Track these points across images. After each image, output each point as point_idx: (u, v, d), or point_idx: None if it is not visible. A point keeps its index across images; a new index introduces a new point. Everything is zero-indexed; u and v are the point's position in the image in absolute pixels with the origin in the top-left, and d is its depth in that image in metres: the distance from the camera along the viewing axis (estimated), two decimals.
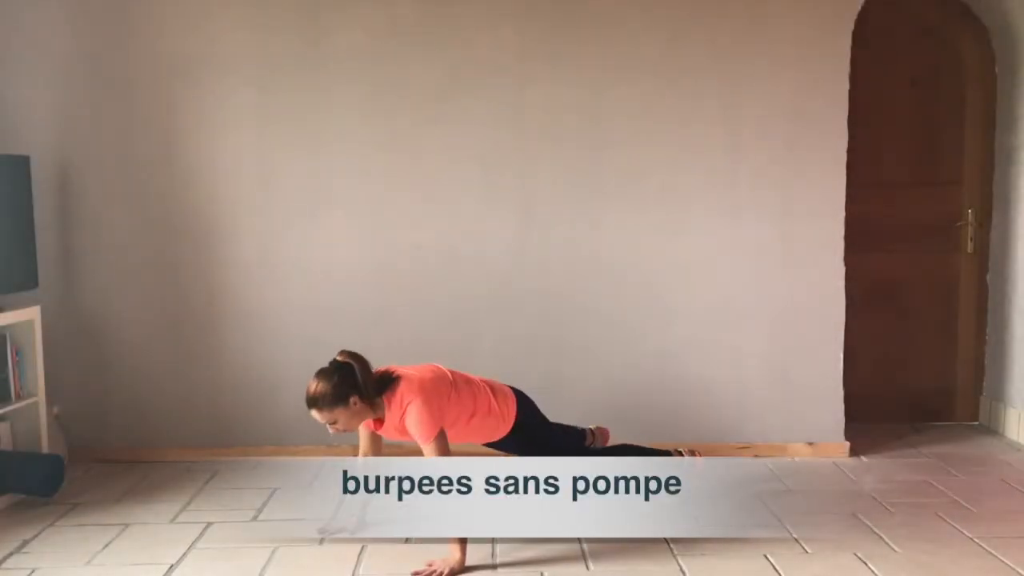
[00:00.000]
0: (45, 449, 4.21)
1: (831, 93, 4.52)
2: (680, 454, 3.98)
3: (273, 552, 3.46)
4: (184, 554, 3.46)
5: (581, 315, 4.58)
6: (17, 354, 4.13)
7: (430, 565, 3.30)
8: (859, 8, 4.52)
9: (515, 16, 4.50)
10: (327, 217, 4.56)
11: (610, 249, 4.57)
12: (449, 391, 3.45)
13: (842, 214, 4.57)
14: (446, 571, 3.27)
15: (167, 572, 3.31)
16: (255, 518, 3.83)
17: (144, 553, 3.47)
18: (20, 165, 4.18)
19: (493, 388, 3.62)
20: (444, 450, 3.33)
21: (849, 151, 4.55)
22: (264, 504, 3.98)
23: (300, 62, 4.49)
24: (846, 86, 4.52)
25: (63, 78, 4.49)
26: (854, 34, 4.53)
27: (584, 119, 4.52)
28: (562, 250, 4.57)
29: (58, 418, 4.48)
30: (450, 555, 3.31)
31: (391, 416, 3.39)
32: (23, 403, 4.13)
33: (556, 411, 3.98)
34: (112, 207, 4.54)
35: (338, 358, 3.35)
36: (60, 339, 4.51)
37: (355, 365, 3.32)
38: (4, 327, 4.06)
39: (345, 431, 3.40)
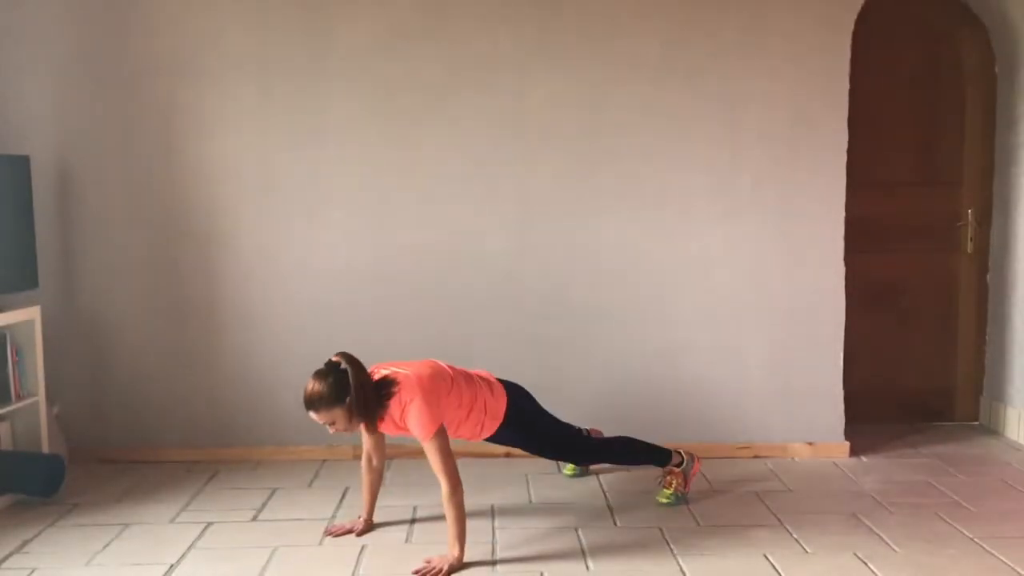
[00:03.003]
0: (45, 449, 4.21)
1: (831, 93, 4.52)
2: (680, 455, 4.00)
3: (273, 552, 3.46)
4: (184, 554, 3.46)
5: (580, 315, 4.58)
6: (17, 354, 4.13)
7: (428, 562, 3.30)
8: (859, 8, 4.52)
9: (515, 16, 4.50)
10: (327, 217, 4.56)
11: (609, 249, 4.58)
12: (448, 387, 3.47)
13: (842, 214, 4.57)
14: (445, 568, 3.27)
15: (167, 572, 3.31)
16: (255, 518, 3.83)
17: (144, 553, 3.47)
18: (20, 165, 4.18)
19: (488, 383, 3.65)
20: (445, 446, 3.35)
21: (849, 151, 4.55)
22: (264, 504, 3.98)
23: (300, 62, 4.49)
24: (846, 86, 4.53)
25: (63, 78, 4.49)
26: (854, 34, 4.53)
27: (584, 119, 4.52)
28: (561, 250, 4.57)
29: (58, 418, 4.49)
30: (449, 552, 3.32)
31: (391, 414, 3.39)
32: (23, 403, 4.13)
33: (555, 410, 3.98)
34: (112, 207, 4.54)
35: (333, 359, 3.36)
36: (60, 339, 4.51)
37: (349, 368, 3.32)
38: (4, 327, 4.06)
39: (345, 431, 3.41)
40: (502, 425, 3.65)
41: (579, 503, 3.98)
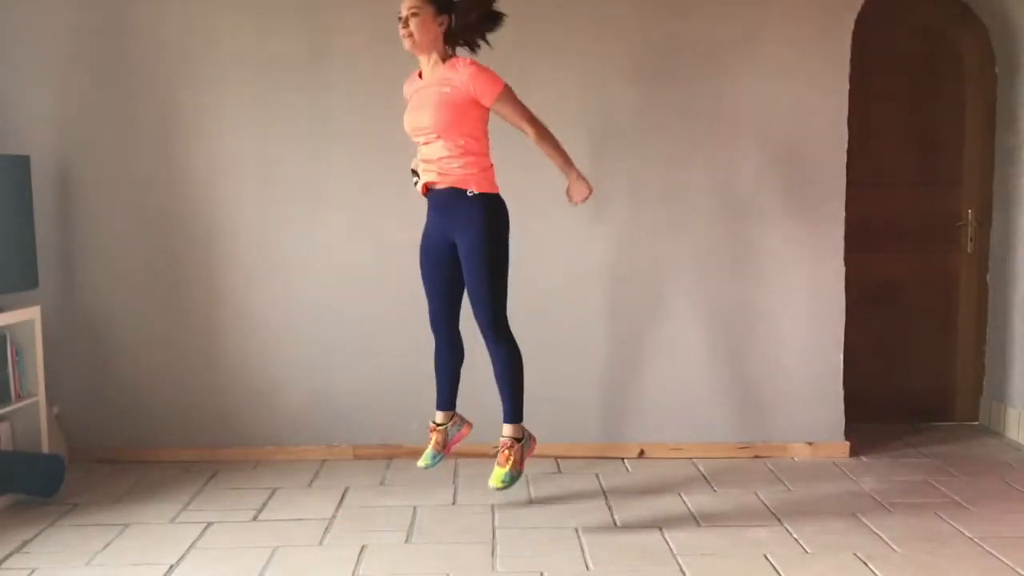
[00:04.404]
0: (45, 449, 4.21)
1: (831, 93, 4.52)
2: (524, 428, 3.75)
3: (273, 552, 3.46)
4: (184, 554, 3.46)
5: (580, 314, 4.58)
6: (17, 354, 4.13)
7: (571, 199, 3.71)
8: (859, 8, 4.52)
9: (514, 16, 4.48)
10: (327, 217, 4.56)
11: (609, 248, 4.57)
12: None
13: (842, 214, 4.57)
14: (585, 194, 3.66)
15: (167, 572, 3.31)
16: (255, 518, 3.83)
17: (144, 553, 3.47)
18: (20, 165, 4.18)
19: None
20: (515, 96, 3.54)
21: (849, 151, 4.55)
22: (264, 504, 3.98)
23: (300, 62, 4.49)
24: (846, 86, 4.52)
25: (63, 78, 4.49)
26: (854, 34, 4.53)
27: (583, 118, 4.52)
28: (561, 249, 4.57)
29: (58, 418, 4.49)
30: (573, 184, 3.67)
31: (438, 72, 3.54)
32: (23, 403, 4.13)
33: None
34: (112, 207, 4.54)
35: None
36: (60, 339, 4.51)
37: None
38: (4, 327, 4.07)
39: (412, 36, 3.50)
40: (477, 205, 3.57)
41: (579, 502, 3.97)
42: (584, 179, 3.67)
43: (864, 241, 4.80)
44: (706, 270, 4.59)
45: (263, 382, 4.59)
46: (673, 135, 4.54)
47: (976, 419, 5.18)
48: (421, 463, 3.86)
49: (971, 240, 5.09)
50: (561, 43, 4.50)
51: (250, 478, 4.32)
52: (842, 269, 4.59)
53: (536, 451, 3.90)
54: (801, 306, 4.60)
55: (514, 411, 3.69)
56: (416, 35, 3.50)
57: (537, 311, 4.58)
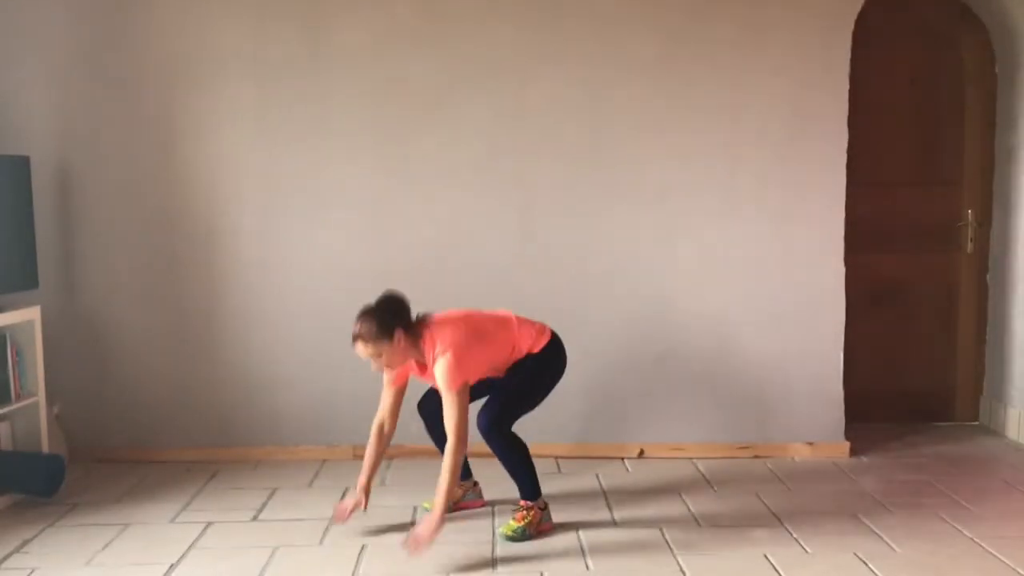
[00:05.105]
0: (45, 449, 4.21)
1: (831, 93, 4.52)
2: (544, 503, 3.71)
3: (273, 552, 3.46)
4: (184, 554, 3.46)
5: (580, 313, 4.57)
6: (17, 354, 4.13)
7: (412, 534, 3.35)
8: (859, 8, 4.52)
9: (515, 16, 4.50)
10: (327, 217, 4.56)
11: (609, 248, 4.58)
12: (480, 347, 3.53)
13: (842, 214, 4.57)
14: (428, 533, 3.30)
15: (167, 572, 3.31)
16: (255, 518, 3.83)
17: (144, 553, 3.47)
18: (20, 165, 4.18)
19: (536, 328, 3.71)
20: (464, 403, 3.43)
21: (849, 151, 4.55)
22: (264, 504, 3.98)
23: (300, 62, 4.49)
24: (846, 86, 4.52)
25: (63, 78, 4.49)
26: (854, 34, 4.53)
27: (584, 118, 4.52)
28: (561, 249, 4.57)
29: (58, 418, 4.48)
30: (432, 510, 3.37)
31: (425, 356, 3.50)
32: (23, 403, 4.12)
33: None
34: (112, 207, 4.54)
35: (387, 293, 3.49)
36: (60, 339, 4.51)
37: (400, 301, 3.47)
38: (4, 327, 4.06)
39: (387, 368, 3.51)
40: (526, 358, 3.65)
41: (579, 503, 3.97)
42: (440, 525, 3.34)
43: (864, 241, 4.80)
44: (706, 270, 4.59)
45: (263, 382, 4.59)
46: (673, 135, 4.54)
47: (976, 419, 5.18)
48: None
49: (971, 240, 5.08)
50: (561, 44, 4.50)
51: (250, 478, 4.32)
52: (842, 269, 4.59)
53: (541, 525, 3.66)
54: (801, 306, 4.60)
55: (527, 488, 3.66)
56: (391, 364, 3.50)
57: (536, 310, 4.57)
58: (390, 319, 3.42)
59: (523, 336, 3.65)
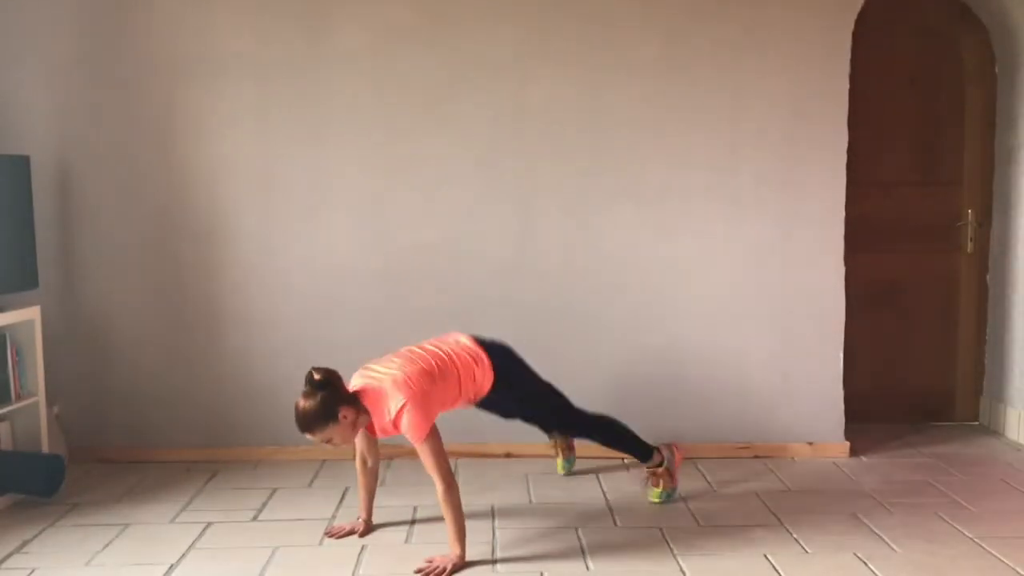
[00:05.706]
0: (45, 449, 4.21)
1: (831, 93, 4.52)
2: (660, 454, 3.98)
3: (273, 552, 3.46)
4: (184, 554, 3.46)
5: (580, 314, 4.58)
6: (17, 354, 4.13)
7: (430, 562, 3.30)
8: (859, 8, 4.52)
9: (515, 15, 4.50)
10: (327, 216, 4.56)
11: (610, 248, 4.58)
12: (432, 381, 3.43)
13: (842, 214, 4.57)
14: (448, 567, 3.27)
15: (167, 572, 3.31)
16: (255, 518, 3.83)
17: (144, 553, 3.47)
18: (20, 165, 4.18)
19: (472, 356, 3.61)
20: (438, 447, 3.34)
21: (849, 151, 4.55)
22: (264, 504, 3.98)
23: (300, 62, 4.49)
24: (846, 86, 4.53)
25: (63, 78, 4.49)
26: (854, 34, 4.53)
27: (584, 118, 4.52)
28: (562, 249, 4.57)
29: (58, 418, 4.48)
30: (450, 551, 3.31)
31: (380, 420, 3.39)
32: (23, 403, 4.12)
33: None
34: (112, 207, 4.54)
35: (315, 376, 3.31)
36: (60, 339, 4.51)
37: (333, 380, 3.32)
38: (4, 327, 4.06)
39: (344, 445, 3.41)
40: (492, 389, 3.64)
41: (579, 503, 3.97)
42: (460, 566, 3.30)
43: (864, 241, 4.80)
44: (705, 270, 4.59)
45: (263, 382, 4.59)
46: (673, 135, 4.54)
47: (976, 419, 5.18)
48: (561, 471, 4.29)
49: (971, 240, 5.09)
50: (561, 44, 4.50)
51: (250, 478, 4.32)
52: (842, 269, 4.59)
53: (675, 474, 4.01)
54: (801, 306, 4.60)
55: (638, 454, 3.99)
56: (346, 440, 3.38)
57: (536, 310, 4.58)
58: (330, 400, 3.26)
59: (468, 365, 3.58)
